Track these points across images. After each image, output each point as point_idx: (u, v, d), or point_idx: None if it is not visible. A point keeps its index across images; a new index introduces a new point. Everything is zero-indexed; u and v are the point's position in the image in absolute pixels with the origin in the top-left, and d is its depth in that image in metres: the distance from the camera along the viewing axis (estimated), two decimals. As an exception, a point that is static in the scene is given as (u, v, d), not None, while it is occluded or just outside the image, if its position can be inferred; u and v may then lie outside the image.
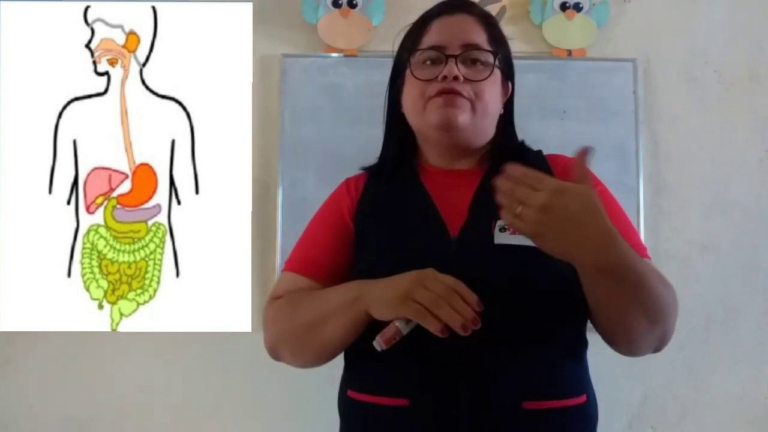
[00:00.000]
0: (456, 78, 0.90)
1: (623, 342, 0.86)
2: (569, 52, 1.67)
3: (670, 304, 0.84)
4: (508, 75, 0.99)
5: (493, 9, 1.66)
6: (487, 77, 0.92)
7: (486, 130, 0.97)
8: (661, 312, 0.82)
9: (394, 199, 0.96)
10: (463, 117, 0.91)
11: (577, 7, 1.66)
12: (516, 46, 1.65)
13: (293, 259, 0.98)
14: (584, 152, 0.74)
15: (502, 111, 0.99)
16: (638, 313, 0.80)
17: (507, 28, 1.64)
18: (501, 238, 0.86)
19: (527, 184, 0.71)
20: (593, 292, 0.80)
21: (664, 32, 1.71)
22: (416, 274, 0.78)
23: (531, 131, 1.68)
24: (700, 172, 1.68)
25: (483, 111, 0.93)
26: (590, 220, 0.71)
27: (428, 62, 0.93)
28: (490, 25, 0.97)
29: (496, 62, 0.94)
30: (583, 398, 0.86)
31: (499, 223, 0.86)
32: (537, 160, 0.98)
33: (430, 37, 0.94)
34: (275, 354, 0.94)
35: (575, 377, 0.88)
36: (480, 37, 0.94)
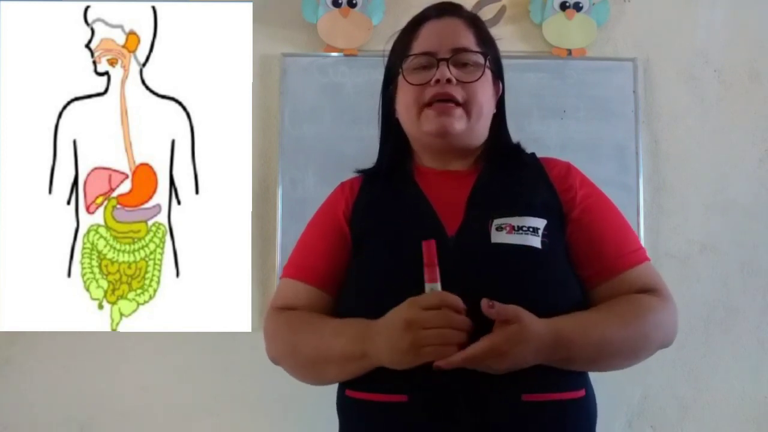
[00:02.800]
0: (449, 81, 0.91)
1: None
2: (569, 52, 1.67)
3: (647, 332, 0.88)
4: (498, 74, 1.00)
5: (492, 8, 1.66)
6: (479, 78, 0.93)
7: (481, 131, 0.98)
8: (634, 349, 0.88)
9: (390, 200, 0.96)
10: (459, 125, 0.92)
11: (577, 7, 1.66)
12: (516, 46, 1.68)
13: (291, 265, 0.99)
14: (487, 307, 0.79)
15: (495, 110, 1.00)
16: (608, 363, 0.87)
17: (507, 28, 1.67)
18: (498, 237, 0.86)
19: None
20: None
21: (664, 32, 1.71)
22: (405, 321, 0.78)
23: (531, 131, 1.70)
24: (700, 171, 1.68)
25: (477, 113, 0.94)
26: (531, 349, 0.79)
27: (420, 68, 0.95)
28: (477, 27, 0.99)
29: (487, 63, 0.95)
30: (582, 392, 0.87)
31: (496, 222, 0.87)
32: (531, 163, 0.99)
33: (420, 43, 0.95)
34: (277, 364, 0.96)
35: (574, 372, 0.88)
36: (468, 40, 0.95)
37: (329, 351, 0.86)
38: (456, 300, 0.77)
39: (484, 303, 0.78)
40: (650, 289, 0.91)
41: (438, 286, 0.79)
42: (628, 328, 0.86)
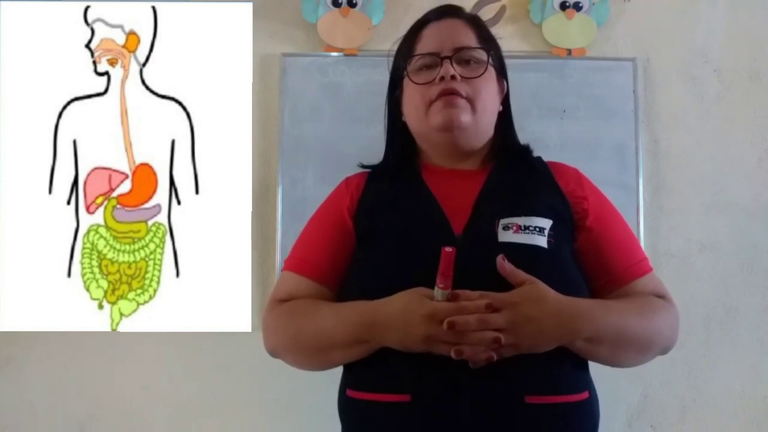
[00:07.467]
0: (453, 77, 0.92)
1: (621, 368, 0.94)
2: (569, 52, 1.67)
3: (661, 328, 0.91)
4: (501, 73, 1.02)
5: (492, 8, 1.66)
6: (483, 73, 0.95)
7: (486, 128, 0.99)
8: (649, 342, 0.90)
9: (397, 197, 0.97)
10: (465, 116, 0.93)
11: (577, 6, 1.66)
12: (515, 45, 1.68)
13: (293, 258, 0.99)
14: (502, 261, 0.82)
15: (500, 108, 1.02)
16: (625, 354, 0.89)
17: (506, 28, 1.67)
18: (505, 236, 0.87)
19: (484, 312, 0.78)
20: (579, 353, 0.85)
21: (664, 31, 1.71)
22: (423, 316, 0.79)
23: (531, 130, 1.71)
24: (700, 171, 1.68)
25: (483, 108, 0.95)
26: (550, 311, 0.80)
27: (424, 68, 0.96)
28: (478, 25, 1.01)
29: (489, 59, 0.97)
30: (585, 395, 0.87)
31: (503, 221, 0.87)
32: (539, 166, 1.00)
33: (423, 45, 0.97)
34: (275, 357, 0.96)
35: (577, 374, 0.88)
36: (469, 38, 0.97)
37: (333, 339, 0.87)
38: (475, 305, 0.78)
39: (500, 257, 0.81)
40: (657, 296, 0.93)
41: (447, 294, 0.79)
42: (643, 318, 0.88)
